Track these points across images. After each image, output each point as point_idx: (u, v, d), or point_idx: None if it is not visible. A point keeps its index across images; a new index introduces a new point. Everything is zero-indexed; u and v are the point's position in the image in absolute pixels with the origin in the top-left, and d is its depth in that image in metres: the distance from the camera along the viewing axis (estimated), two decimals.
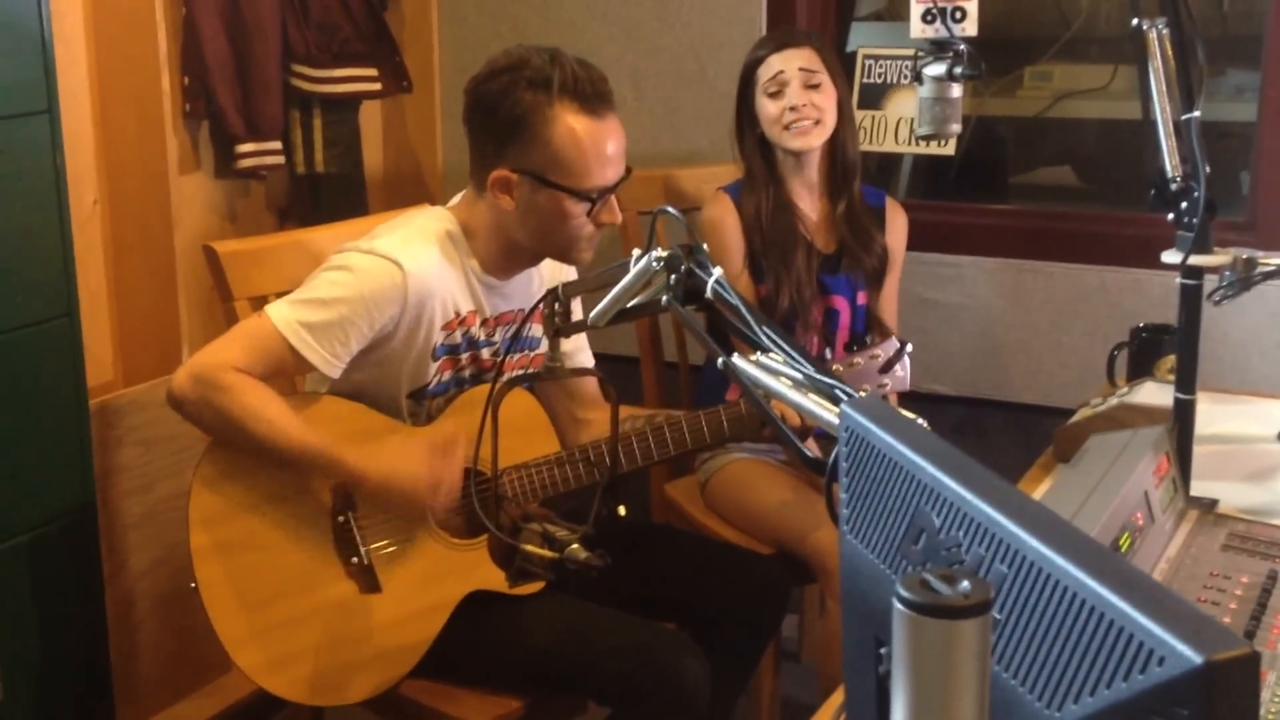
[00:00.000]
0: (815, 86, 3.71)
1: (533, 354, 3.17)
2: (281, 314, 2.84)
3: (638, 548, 3.17)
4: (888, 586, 1.05)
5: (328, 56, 4.41)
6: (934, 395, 4.44)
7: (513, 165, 2.92)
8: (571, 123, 2.88)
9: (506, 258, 3.04)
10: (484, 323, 3.06)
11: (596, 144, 2.91)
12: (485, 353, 3.08)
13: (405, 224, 3.03)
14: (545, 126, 2.88)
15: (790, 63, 3.72)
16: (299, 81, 4.36)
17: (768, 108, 3.74)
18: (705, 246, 2.06)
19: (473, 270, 3.02)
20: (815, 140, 3.73)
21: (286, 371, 2.90)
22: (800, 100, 3.69)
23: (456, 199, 3.11)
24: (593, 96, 2.91)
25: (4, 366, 3.11)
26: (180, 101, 4.03)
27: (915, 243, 4.00)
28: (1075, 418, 3.06)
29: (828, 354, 3.72)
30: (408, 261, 2.87)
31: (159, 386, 3.67)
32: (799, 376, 1.78)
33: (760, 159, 3.80)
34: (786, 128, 3.71)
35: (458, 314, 3.00)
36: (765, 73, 3.75)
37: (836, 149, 3.80)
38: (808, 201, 3.82)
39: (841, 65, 3.84)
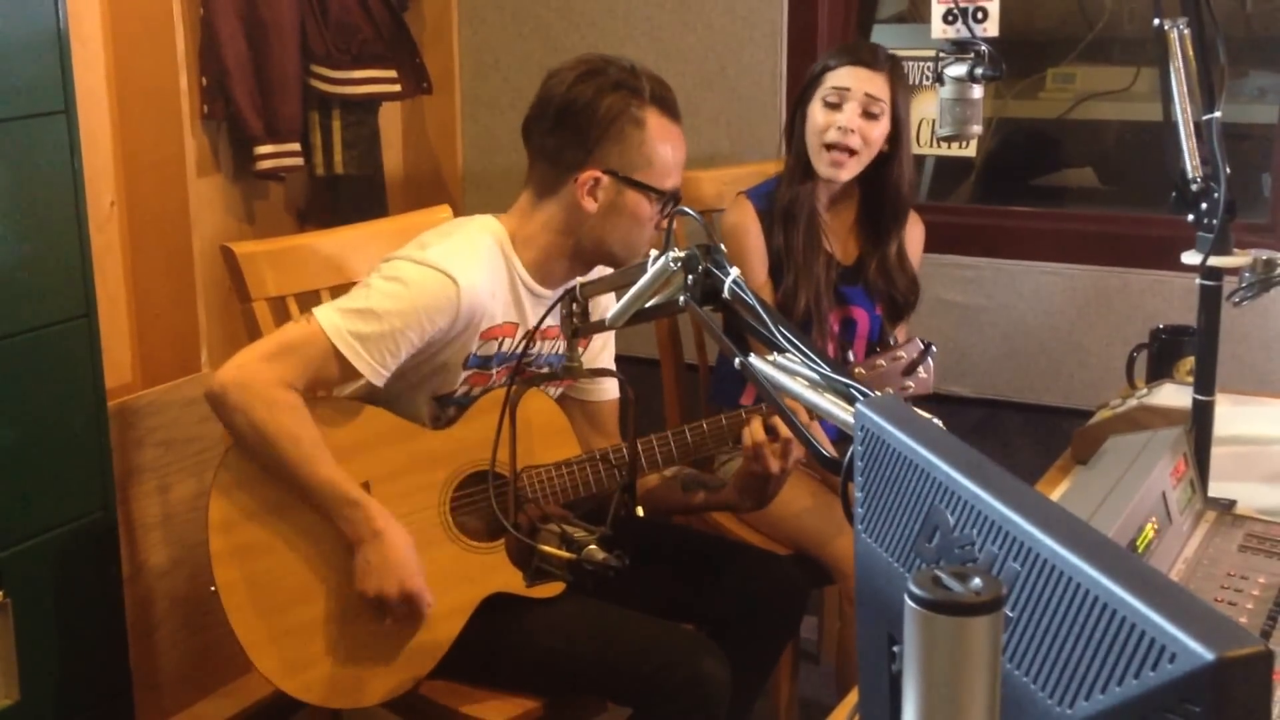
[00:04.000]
0: (872, 116, 3.63)
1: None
2: (333, 322, 2.84)
3: (656, 549, 3.16)
4: (901, 585, 1.05)
5: (347, 57, 4.41)
6: (954, 396, 4.44)
7: (602, 165, 2.98)
8: (658, 126, 3.00)
9: (560, 266, 3.07)
10: (527, 334, 3.06)
11: (677, 149, 3.04)
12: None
13: (455, 232, 3.04)
14: (638, 129, 2.98)
15: (859, 83, 3.63)
16: (318, 83, 4.36)
17: (818, 116, 3.66)
18: (724, 248, 2.06)
19: (522, 280, 3.04)
20: (845, 174, 3.67)
21: (332, 379, 2.91)
22: (852, 124, 3.61)
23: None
24: (672, 104, 3.04)
25: (22, 368, 3.11)
26: (198, 102, 4.03)
27: (936, 245, 3.99)
28: (1094, 419, 3.06)
29: (850, 357, 3.70)
30: (461, 274, 2.88)
31: (178, 388, 3.68)
32: (815, 376, 1.78)
33: (802, 165, 3.74)
34: (827, 148, 3.64)
35: (498, 325, 3.01)
36: (831, 80, 3.66)
37: (888, 184, 3.75)
38: (829, 210, 3.79)
39: (909, 98, 3.74)
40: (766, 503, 3.16)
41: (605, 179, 2.98)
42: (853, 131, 3.61)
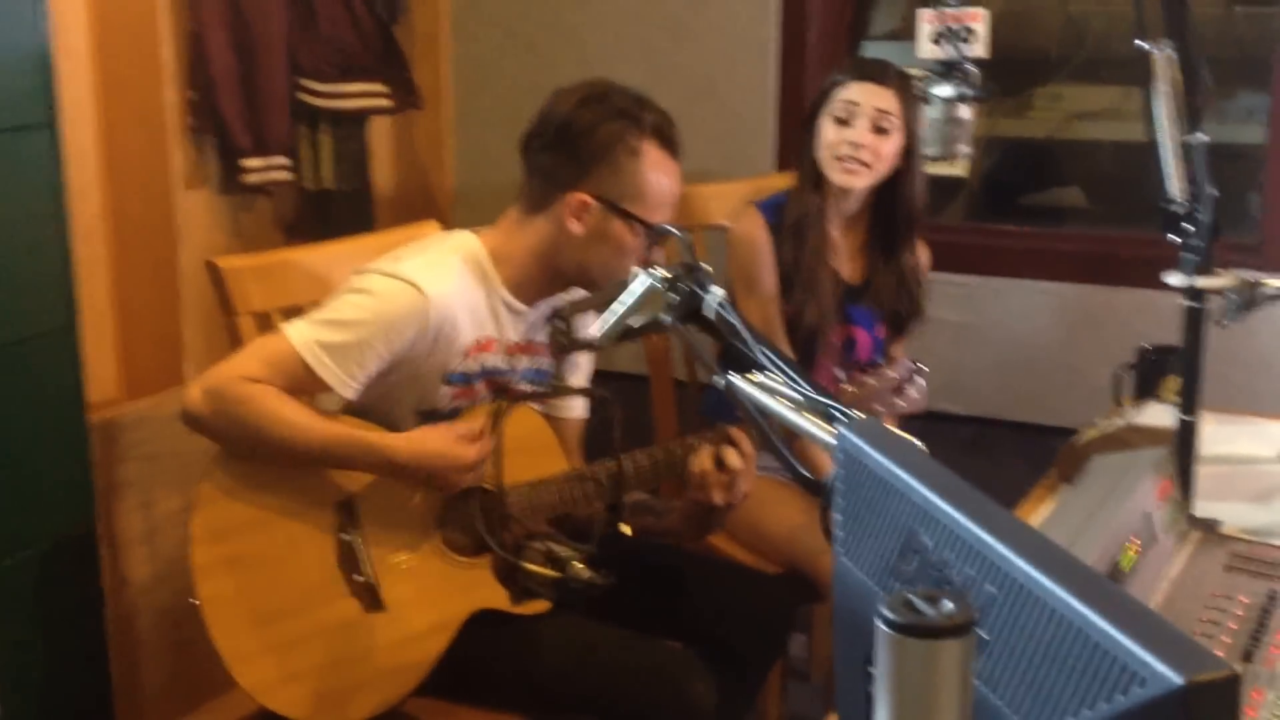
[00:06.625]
0: (883, 131, 3.63)
1: (542, 386, 3.18)
2: (300, 333, 2.84)
3: (643, 567, 3.16)
4: (877, 607, 1.05)
5: (336, 71, 4.41)
6: (943, 414, 4.43)
7: (594, 190, 2.96)
8: (656, 159, 2.98)
9: (539, 284, 3.06)
10: (506, 349, 3.06)
11: (672, 185, 3.01)
12: (504, 380, 3.08)
13: (431, 247, 3.03)
14: (633, 158, 2.96)
15: (869, 98, 3.63)
16: (307, 96, 4.36)
17: (829, 131, 3.66)
18: (707, 267, 2.06)
19: (500, 296, 3.03)
20: (859, 183, 3.66)
21: (301, 390, 2.88)
22: (863, 139, 3.62)
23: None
24: (673, 141, 3.02)
25: (3, 381, 3.10)
26: (185, 115, 4.03)
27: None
28: (1079, 438, 3.06)
29: (842, 376, 3.70)
30: (429, 286, 2.87)
31: (162, 402, 3.67)
32: (798, 397, 1.78)
33: (812, 181, 3.75)
34: (839, 159, 3.65)
35: (477, 341, 3.00)
36: (840, 95, 3.67)
37: (900, 199, 3.75)
38: (839, 228, 3.80)
39: (919, 113, 3.74)
40: (708, 534, 3.18)
41: (594, 204, 2.96)
42: (864, 146, 3.62)
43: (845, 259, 3.81)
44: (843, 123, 3.64)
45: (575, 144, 2.98)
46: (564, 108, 3.01)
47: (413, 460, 2.87)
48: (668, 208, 3.01)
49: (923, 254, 3.90)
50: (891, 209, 3.77)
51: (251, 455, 2.86)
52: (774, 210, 3.78)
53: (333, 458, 2.88)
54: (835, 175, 3.67)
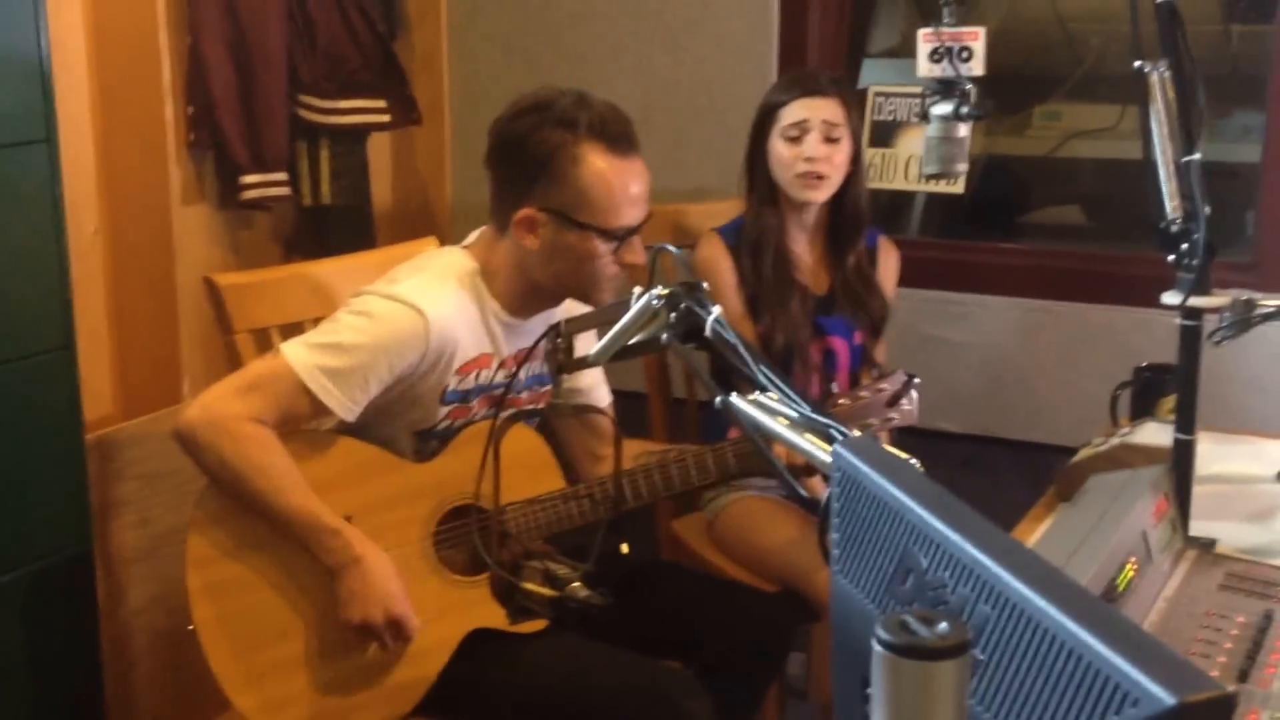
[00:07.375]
0: (834, 140, 3.68)
1: (544, 389, 3.16)
2: (300, 358, 2.83)
3: (641, 585, 3.15)
4: (873, 628, 1.05)
5: (335, 87, 4.40)
6: (940, 432, 4.43)
7: (540, 204, 2.92)
8: (598, 162, 2.90)
9: (528, 298, 3.04)
10: (501, 364, 3.06)
11: (623, 184, 2.93)
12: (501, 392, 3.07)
13: (425, 266, 3.02)
14: (573, 165, 2.89)
15: (815, 112, 3.69)
16: (306, 112, 4.35)
17: (782, 151, 3.71)
18: (706, 285, 2.07)
19: (493, 311, 3.02)
20: (822, 195, 3.72)
21: (302, 415, 2.87)
22: (818, 153, 3.66)
23: (473, 237, 3.11)
24: (619, 137, 2.93)
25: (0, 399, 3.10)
26: (184, 131, 4.02)
27: (923, 280, 3.99)
28: (1077, 457, 3.06)
29: (833, 389, 3.70)
30: (430, 307, 2.87)
31: (159, 420, 3.66)
32: (795, 415, 1.78)
33: (766, 200, 3.78)
34: (799, 176, 3.69)
35: (474, 358, 3.00)
36: (787, 116, 3.71)
37: (847, 201, 3.79)
38: (802, 244, 3.82)
39: (859, 114, 3.78)
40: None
41: (542, 217, 2.92)
42: (819, 159, 3.67)
43: (810, 272, 3.83)
44: (794, 140, 3.69)
45: (514, 159, 2.96)
46: (503, 121, 2.99)
47: (366, 561, 2.83)
48: (626, 206, 2.94)
49: (890, 256, 3.94)
50: (841, 210, 3.82)
51: (223, 490, 2.85)
52: (735, 233, 3.81)
53: (297, 533, 2.85)
54: (797, 192, 3.73)
